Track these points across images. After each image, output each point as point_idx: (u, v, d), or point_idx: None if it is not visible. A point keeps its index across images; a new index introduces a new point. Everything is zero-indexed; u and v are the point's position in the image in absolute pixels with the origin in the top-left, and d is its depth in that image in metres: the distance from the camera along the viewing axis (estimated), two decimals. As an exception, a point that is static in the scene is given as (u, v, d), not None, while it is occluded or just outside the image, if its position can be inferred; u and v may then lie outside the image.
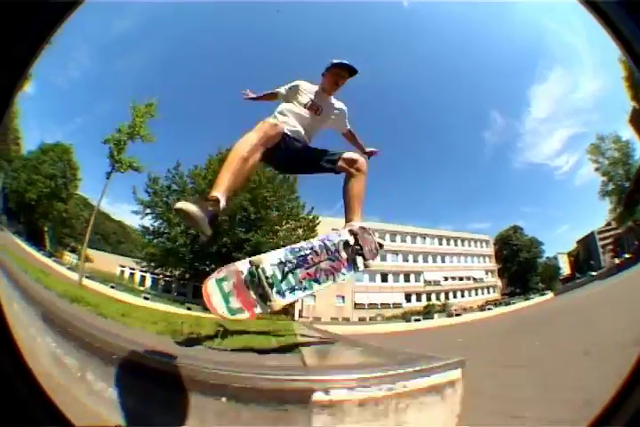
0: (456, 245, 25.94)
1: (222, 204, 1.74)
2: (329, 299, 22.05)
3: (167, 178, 18.29)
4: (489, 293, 26.38)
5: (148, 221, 18.18)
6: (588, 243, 25.97)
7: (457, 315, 19.58)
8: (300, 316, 21.58)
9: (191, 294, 18.70)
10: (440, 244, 25.43)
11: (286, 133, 2.25)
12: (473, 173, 34.03)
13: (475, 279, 25.79)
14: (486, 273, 26.63)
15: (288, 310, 19.19)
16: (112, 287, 13.82)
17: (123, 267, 19.13)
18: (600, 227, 25.33)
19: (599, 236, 24.90)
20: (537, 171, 34.30)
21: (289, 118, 2.38)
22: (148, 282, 19.47)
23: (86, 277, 12.69)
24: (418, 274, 23.85)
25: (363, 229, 2.31)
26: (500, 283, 27.92)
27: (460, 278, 25.21)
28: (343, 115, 2.70)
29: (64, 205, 18.32)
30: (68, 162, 18.08)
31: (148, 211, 17.99)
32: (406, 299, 23.05)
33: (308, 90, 2.52)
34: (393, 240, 24.01)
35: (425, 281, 23.81)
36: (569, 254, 28.59)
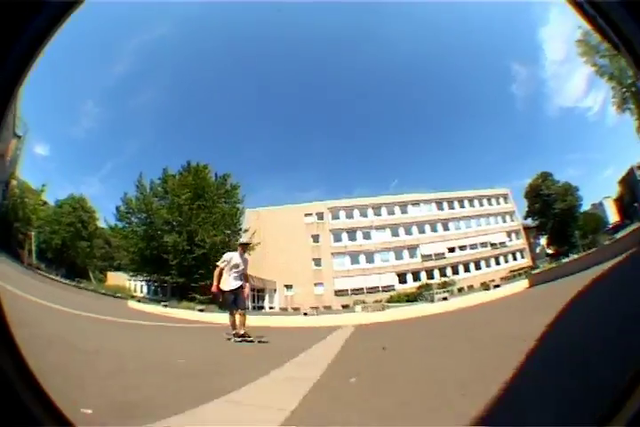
0: (462, 206, 21.23)
1: None
2: (307, 287, 19.78)
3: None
4: (515, 259, 21.66)
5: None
6: (629, 182, 19.82)
7: (444, 299, 15.82)
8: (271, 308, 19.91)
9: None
10: (440, 208, 20.98)
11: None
12: (505, 129, 27.62)
13: (493, 245, 21.16)
14: (509, 235, 21.70)
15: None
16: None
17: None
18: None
19: (640, 172, 18.89)
20: (570, 116, 26.94)
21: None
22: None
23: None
24: (413, 249, 20.10)
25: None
26: (543, 241, 23.06)
27: (473, 246, 20.83)
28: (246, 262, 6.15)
29: (87, 242, 22.00)
30: (82, 208, 21.46)
31: None
32: (400, 279, 19.70)
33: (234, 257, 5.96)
34: (378, 214, 20.38)
35: (422, 256, 20.03)
36: (616, 200, 22.50)
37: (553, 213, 22.46)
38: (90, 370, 2.93)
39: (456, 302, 15.16)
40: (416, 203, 20.76)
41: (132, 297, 21.70)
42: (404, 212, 20.55)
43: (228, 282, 5.80)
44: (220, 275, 5.88)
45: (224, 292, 5.79)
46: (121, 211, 20.16)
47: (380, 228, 20.03)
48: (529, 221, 23.64)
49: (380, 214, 20.27)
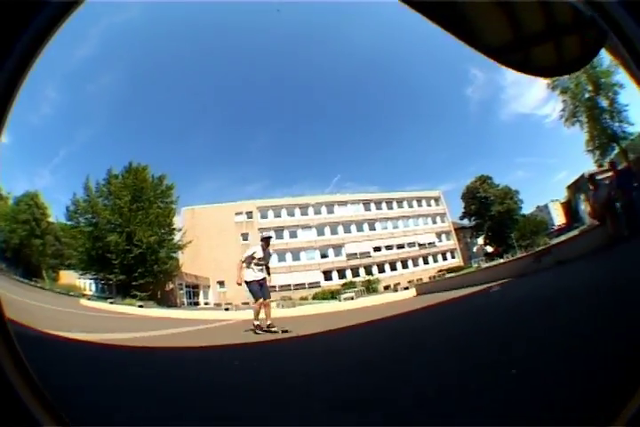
0: (390, 208, 22.05)
1: None
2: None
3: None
4: (445, 259, 21.98)
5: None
6: (578, 188, 20.36)
7: (351, 298, 16.48)
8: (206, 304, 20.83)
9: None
10: (367, 209, 21.87)
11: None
12: (460, 131, 28.67)
13: (421, 245, 21.65)
14: (438, 236, 22.17)
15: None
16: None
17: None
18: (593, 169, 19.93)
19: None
20: (526, 121, 28.15)
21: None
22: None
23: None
24: (338, 247, 20.88)
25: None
26: (480, 241, 23.55)
27: (400, 246, 21.39)
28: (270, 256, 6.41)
29: (40, 240, 22.26)
30: (36, 205, 21.86)
31: None
32: (325, 277, 20.37)
33: (257, 251, 6.13)
34: (304, 214, 21.47)
35: (347, 255, 20.74)
36: (563, 203, 22.98)
37: (489, 215, 22.87)
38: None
39: (360, 302, 15.76)
40: (343, 203, 21.76)
41: (84, 295, 22.79)
42: (330, 212, 21.51)
43: (253, 274, 6.04)
44: (241, 269, 6.20)
45: (249, 283, 6.03)
46: (70, 211, 20.79)
47: (307, 227, 21.01)
48: (465, 222, 24.10)
49: (306, 214, 21.29)
